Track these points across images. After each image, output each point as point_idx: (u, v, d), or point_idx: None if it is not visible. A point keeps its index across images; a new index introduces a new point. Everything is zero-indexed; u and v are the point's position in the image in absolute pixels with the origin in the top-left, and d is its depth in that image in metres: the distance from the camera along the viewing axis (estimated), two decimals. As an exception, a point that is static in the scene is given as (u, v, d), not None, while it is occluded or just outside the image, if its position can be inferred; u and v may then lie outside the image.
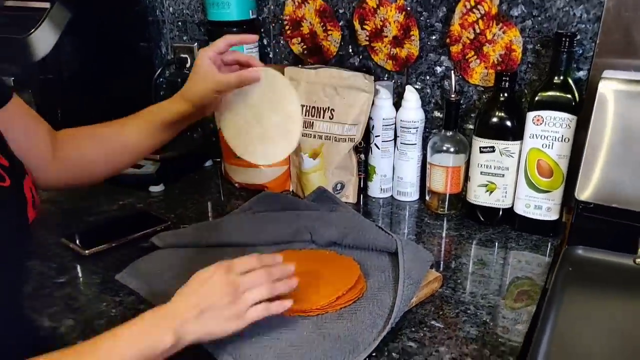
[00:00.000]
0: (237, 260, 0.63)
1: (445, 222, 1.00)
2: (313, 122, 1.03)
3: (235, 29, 1.14)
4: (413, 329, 0.69)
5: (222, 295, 0.58)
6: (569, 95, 0.85)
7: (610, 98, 0.78)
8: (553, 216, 0.91)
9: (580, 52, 0.89)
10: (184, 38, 1.36)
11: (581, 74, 0.90)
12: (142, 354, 0.52)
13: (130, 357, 0.51)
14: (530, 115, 0.87)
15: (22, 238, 0.58)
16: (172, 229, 0.93)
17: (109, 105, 1.27)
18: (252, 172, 1.11)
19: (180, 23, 1.35)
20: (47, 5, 1.12)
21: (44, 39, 1.10)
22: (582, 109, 0.84)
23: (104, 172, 0.78)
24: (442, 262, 0.86)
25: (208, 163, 1.30)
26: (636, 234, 0.78)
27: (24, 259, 0.64)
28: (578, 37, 0.88)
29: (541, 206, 0.91)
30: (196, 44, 1.33)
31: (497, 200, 0.95)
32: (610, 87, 0.78)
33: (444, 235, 0.96)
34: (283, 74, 0.80)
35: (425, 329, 0.69)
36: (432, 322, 0.71)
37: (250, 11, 1.16)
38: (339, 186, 1.05)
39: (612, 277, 0.77)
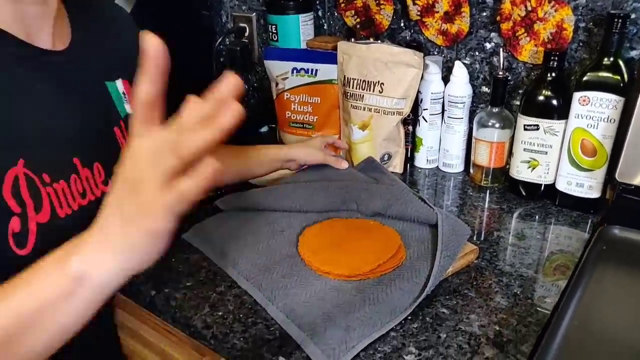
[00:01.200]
0: None
1: (487, 194, 1.04)
2: (363, 95, 1.08)
3: (291, 3, 1.19)
4: (447, 297, 0.76)
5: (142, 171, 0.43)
6: (618, 77, 0.85)
7: (656, 83, 0.78)
8: (595, 194, 0.93)
9: (635, 31, 0.88)
10: (243, 8, 1.41)
11: (634, 53, 0.89)
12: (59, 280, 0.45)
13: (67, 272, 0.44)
14: (577, 95, 0.89)
15: None
16: (232, 193, 1.02)
17: (172, 73, 1.36)
18: (305, 140, 1.18)
19: (239, -8, 1.41)
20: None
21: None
22: (631, 89, 0.85)
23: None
24: (482, 234, 0.91)
25: (264, 129, 1.37)
26: (673, 217, 0.80)
27: None
28: (633, 16, 0.87)
29: (583, 184, 0.93)
30: (254, 13, 1.39)
31: (539, 176, 0.98)
32: (658, 72, 0.78)
33: (485, 207, 1.00)
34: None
35: (458, 297, 0.76)
36: (466, 291, 0.77)
37: (306, -16, 1.20)
38: (386, 157, 1.11)
39: (646, 257, 0.80)
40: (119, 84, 0.71)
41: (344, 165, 1.03)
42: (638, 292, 0.74)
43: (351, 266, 0.77)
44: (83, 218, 0.48)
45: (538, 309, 0.73)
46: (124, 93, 0.71)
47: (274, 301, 0.72)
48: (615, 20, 0.83)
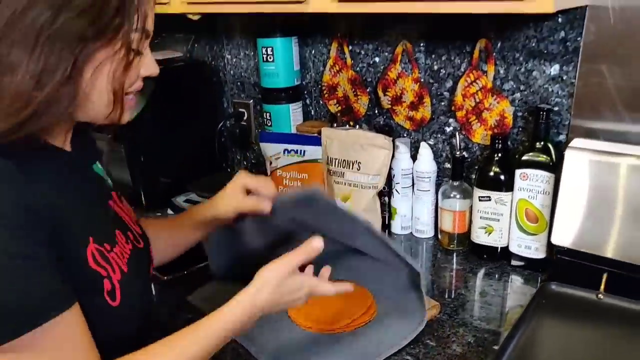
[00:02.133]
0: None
1: (454, 257, 1.20)
2: (344, 172, 1.26)
3: (282, 94, 1.40)
4: (412, 346, 0.90)
5: (296, 294, 0.77)
6: (548, 157, 1.03)
7: (574, 163, 0.96)
8: (540, 255, 1.09)
9: (559, 120, 1.07)
10: (242, 95, 1.63)
11: (562, 137, 1.08)
12: (233, 331, 0.73)
13: (225, 334, 0.71)
14: (518, 172, 1.07)
15: (150, 288, 0.83)
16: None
17: (182, 150, 1.56)
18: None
19: (239, 83, 1.63)
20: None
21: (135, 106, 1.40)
22: (560, 167, 1.03)
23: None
24: (446, 292, 1.06)
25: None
26: (600, 274, 0.96)
27: (151, 306, 0.85)
28: (556, 108, 1.07)
29: (530, 246, 1.10)
30: (252, 100, 1.60)
31: (495, 240, 1.14)
32: (574, 154, 0.97)
33: (453, 268, 1.16)
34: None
35: (421, 346, 0.90)
36: (427, 341, 0.91)
37: (295, 79, 1.41)
38: (365, 225, 1.28)
39: (578, 309, 0.95)
40: (98, 164, 0.83)
41: (267, 209, 0.90)
42: (572, 337, 0.89)
43: (330, 321, 0.92)
44: (130, 272, 0.71)
45: (486, 355, 0.87)
46: (102, 170, 0.83)
47: (265, 352, 0.87)
48: (542, 112, 1.02)
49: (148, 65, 0.71)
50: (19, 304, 0.57)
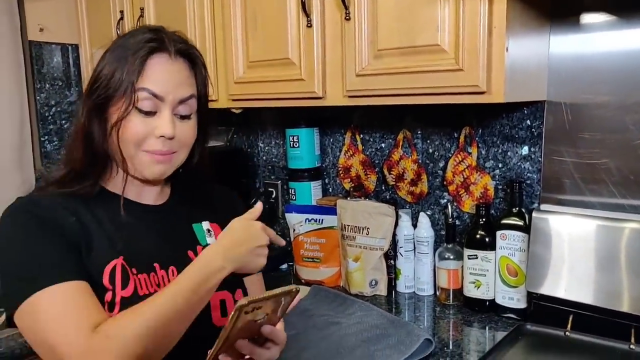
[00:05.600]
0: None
1: (451, 310, 1.39)
2: (355, 237, 1.50)
3: (305, 174, 1.68)
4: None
5: (255, 239, 0.87)
6: (522, 221, 1.26)
7: (541, 225, 1.19)
8: (522, 305, 1.27)
9: (532, 191, 1.31)
10: (272, 177, 1.92)
11: (535, 205, 1.31)
12: (201, 272, 0.80)
13: (192, 276, 0.79)
14: (499, 233, 1.29)
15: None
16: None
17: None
18: (314, 271, 1.57)
19: (270, 167, 1.92)
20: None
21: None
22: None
23: None
24: (444, 340, 1.23)
25: (284, 266, 1.77)
26: (567, 314, 1.14)
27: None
28: (528, 181, 1.31)
29: (513, 297, 1.28)
30: (280, 181, 1.88)
31: (483, 293, 1.33)
32: (540, 216, 1.19)
33: (449, 319, 1.34)
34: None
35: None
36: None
37: (316, 161, 1.70)
38: (373, 282, 1.48)
39: (548, 345, 1.12)
40: (205, 224, 1.00)
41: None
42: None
43: None
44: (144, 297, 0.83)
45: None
46: (208, 230, 1.00)
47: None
48: (515, 184, 1.26)
49: (160, 126, 0.86)
50: (24, 274, 0.79)
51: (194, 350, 0.83)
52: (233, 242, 0.85)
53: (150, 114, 0.86)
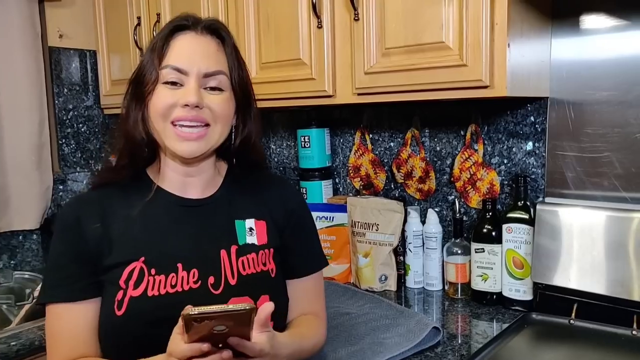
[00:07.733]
0: None
1: (459, 303, 1.41)
2: (365, 233, 1.53)
3: (316, 173, 1.72)
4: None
5: None
6: (527, 214, 1.29)
7: (545, 217, 1.22)
8: (528, 297, 1.30)
9: (536, 185, 1.34)
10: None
11: (540, 199, 1.34)
12: None
13: None
14: (505, 227, 1.32)
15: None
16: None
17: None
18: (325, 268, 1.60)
19: (281, 168, 1.97)
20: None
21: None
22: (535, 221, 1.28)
23: None
24: (452, 332, 1.26)
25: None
26: (572, 303, 1.17)
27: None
28: (533, 176, 1.34)
29: (519, 289, 1.31)
30: (291, 182, 1.93)
31: (490, 286, 1.36)
32: (545, 209, 1.22)
33: (457, 312, 1.37)
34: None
35: None
36: None
37: (327, 161, 1.74)
38: (383, 277, 1.52)
39: (553, 332, 1.15)
40: (249, 222, 0.95)
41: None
42: (545, 354, 1.09)
43: None
44: (165, 298, 0.85)
45: (475, 362, 1.07)
46: (250, 229, 0.95)
47: None
48: (520, 178, 1.30)
49: (185, 94, 0.85)
50: (48, 282, 0.90)
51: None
52: None
53: (176, 84, 0.87)
